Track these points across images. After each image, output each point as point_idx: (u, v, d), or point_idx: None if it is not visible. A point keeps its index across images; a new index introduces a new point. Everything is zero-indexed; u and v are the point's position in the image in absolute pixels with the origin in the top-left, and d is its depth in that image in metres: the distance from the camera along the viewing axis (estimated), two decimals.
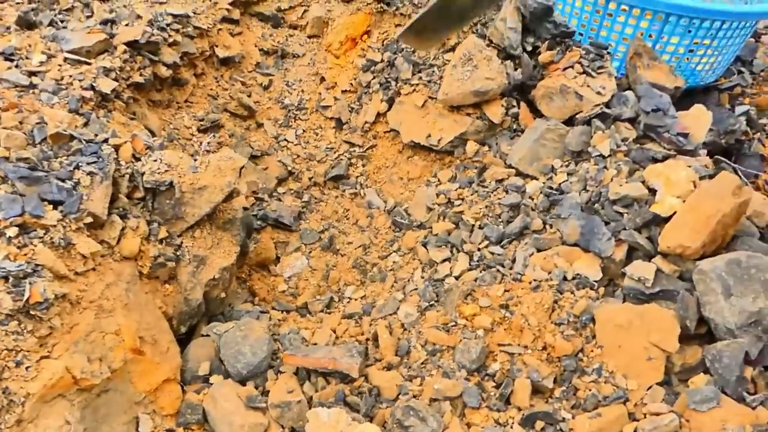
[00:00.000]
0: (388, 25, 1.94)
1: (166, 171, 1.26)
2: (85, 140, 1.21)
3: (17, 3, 1.70)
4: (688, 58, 2.10)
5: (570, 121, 1.73)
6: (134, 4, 1.66)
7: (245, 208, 1.46)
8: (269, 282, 1.69)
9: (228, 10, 1.79)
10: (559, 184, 1.59)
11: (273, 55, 1.96)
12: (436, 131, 1.77)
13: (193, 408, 1.29)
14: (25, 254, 1.05)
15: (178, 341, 1.39)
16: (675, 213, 1.40)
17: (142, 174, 1.26)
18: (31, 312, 1.01)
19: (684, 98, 2.03)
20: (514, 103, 1.78)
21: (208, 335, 1.42)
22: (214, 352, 1.39)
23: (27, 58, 1.39)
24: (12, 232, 1.05)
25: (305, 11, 2.00)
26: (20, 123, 1.18)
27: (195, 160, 1.29)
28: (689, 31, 2.01)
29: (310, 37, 2.01)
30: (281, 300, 1.64)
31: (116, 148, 1.24)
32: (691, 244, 1.34)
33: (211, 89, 1.78)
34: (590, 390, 1.23)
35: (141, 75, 1.50)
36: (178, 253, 1.34)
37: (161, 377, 1.29)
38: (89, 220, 1.15)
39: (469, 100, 1.75)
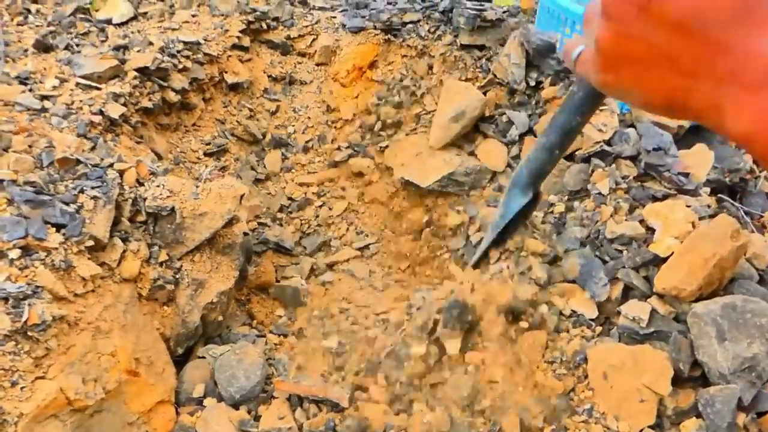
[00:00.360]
0: (394, 56, 1.98)
1: (168, 197, 1.29)
2: (91, 164, 1.25)
3: (37, 26, 1.76)
4: None
5: (571, 157, 1.75)
6: (147, 29, 1.71)
7: (246, 233, 1.48)
8: (268, 305, 1.71)
9: (238, 37, 1.84)
10: (560, 214, 1.60)
11: (281, 81, 2.01)
12: (424, 170, 1.82)
13: (186, 430, 1.30)
14: (26, 276, 1.07)
15: (176, 362, 1.41)
16: (672, 253, 1.40)
17: (145, 199, 1.29)
18: (29, 333, 1.04)
19: (690, 135, 2.03)
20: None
21: (204, 357, 1.44)
22: (210, 374, 1.41)
23: (41, 82, 1.43)
24: (15, 254, 1.08)
25: (314, 40, 2.04)
26: (30, 147, 1.22)
27: (197, 186, 1.32)
28: None
29: (317, 65, 2.05)
30: (278, 324, 1.65)
31: (121, 173, 1.28)
32: (686, 287, 1.34)
33: (218, 114, 1.82)
34: (580, 431, 1.23)
35: (150, 100, 1.54)
36: (177, 276, 1.36)
37: (155, 398, 1.31)
38: (90, 243, 1.18)
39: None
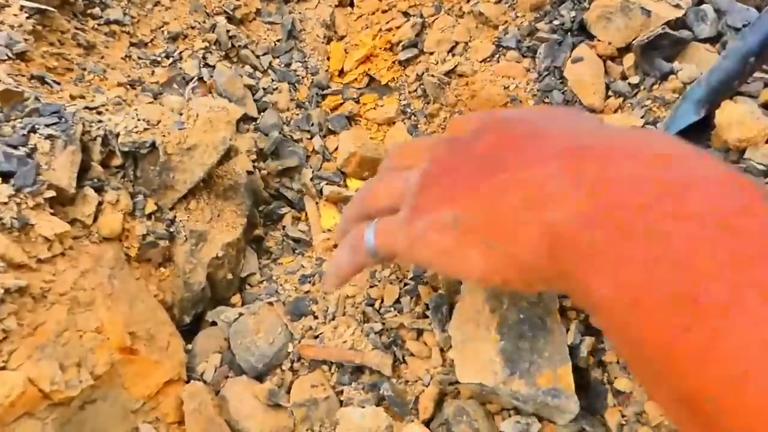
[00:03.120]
0: None
1: (145, 129, 1.03)
2: (42, 98, 0.99)
3: None
4: None
5: (628, 48, 1.43)
6: None
7: (250, 171, 1.22)
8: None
9: None
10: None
11: (275, 0, 1.70)
12: None
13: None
14: None
15: (184, 333, 1.18)
16: None
17: (117, 135, 1.02)
18: None
19: None
20: None
21: (215, 324, 1.20)
22: (225, 343, 1.18)
23: None
24: None
25: None
26: None
27: (180, 114, 1.05)
28: None
29: None
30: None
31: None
32: None
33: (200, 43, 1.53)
34: None
35: None
36: (171, 230, 1.11)
37: (162, 378, 1.08)
38: (51, 193, 0.93)
39: None
